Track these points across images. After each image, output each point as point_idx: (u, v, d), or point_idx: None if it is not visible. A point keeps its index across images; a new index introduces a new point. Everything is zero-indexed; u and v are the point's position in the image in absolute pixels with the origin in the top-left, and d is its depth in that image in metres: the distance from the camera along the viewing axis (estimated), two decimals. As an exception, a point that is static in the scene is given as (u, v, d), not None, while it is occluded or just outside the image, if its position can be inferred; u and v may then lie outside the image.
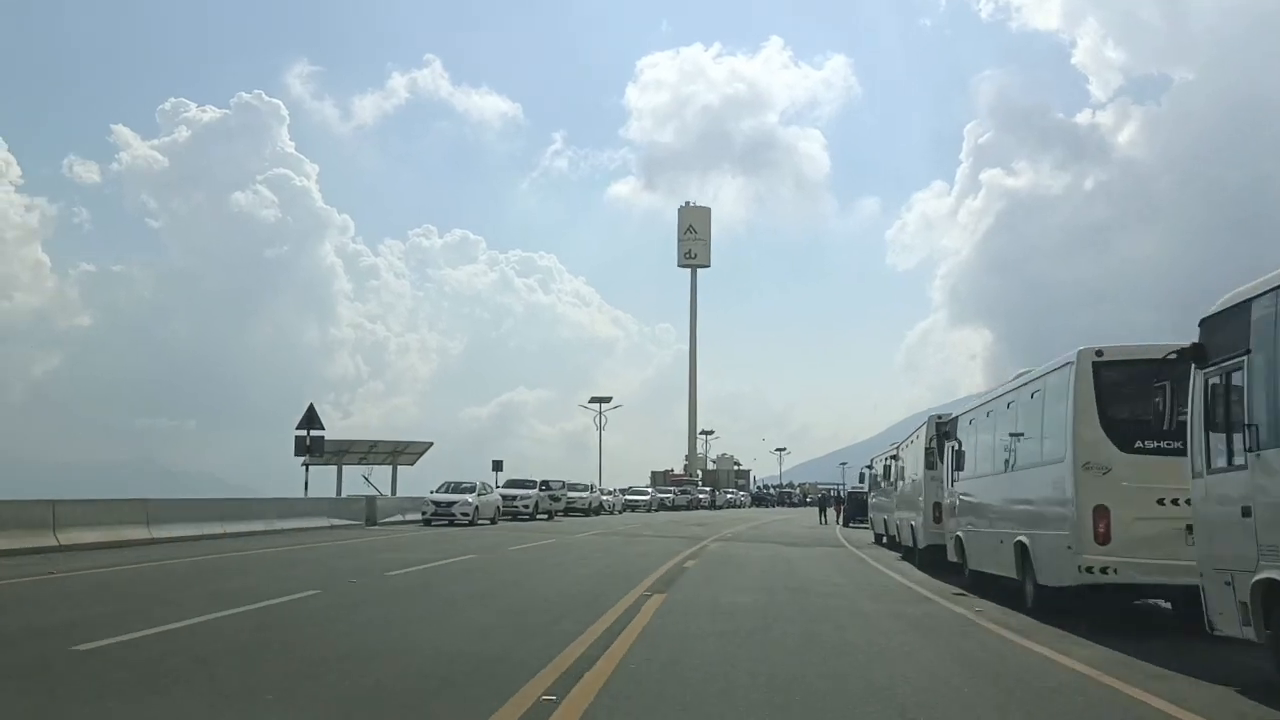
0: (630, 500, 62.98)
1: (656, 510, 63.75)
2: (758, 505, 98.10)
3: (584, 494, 48.29)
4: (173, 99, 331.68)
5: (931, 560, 18.40)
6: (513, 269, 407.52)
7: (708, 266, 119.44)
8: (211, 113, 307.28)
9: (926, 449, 19.70)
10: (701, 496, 77.93)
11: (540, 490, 41.41)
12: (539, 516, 40.56)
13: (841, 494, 54.97)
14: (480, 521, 33.08)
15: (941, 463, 18.07)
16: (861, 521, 48.44)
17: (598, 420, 66.73)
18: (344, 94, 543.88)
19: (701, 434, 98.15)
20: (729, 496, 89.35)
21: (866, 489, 36.19)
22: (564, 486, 44.34)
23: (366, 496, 33.01)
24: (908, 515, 21.96)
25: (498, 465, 46.87)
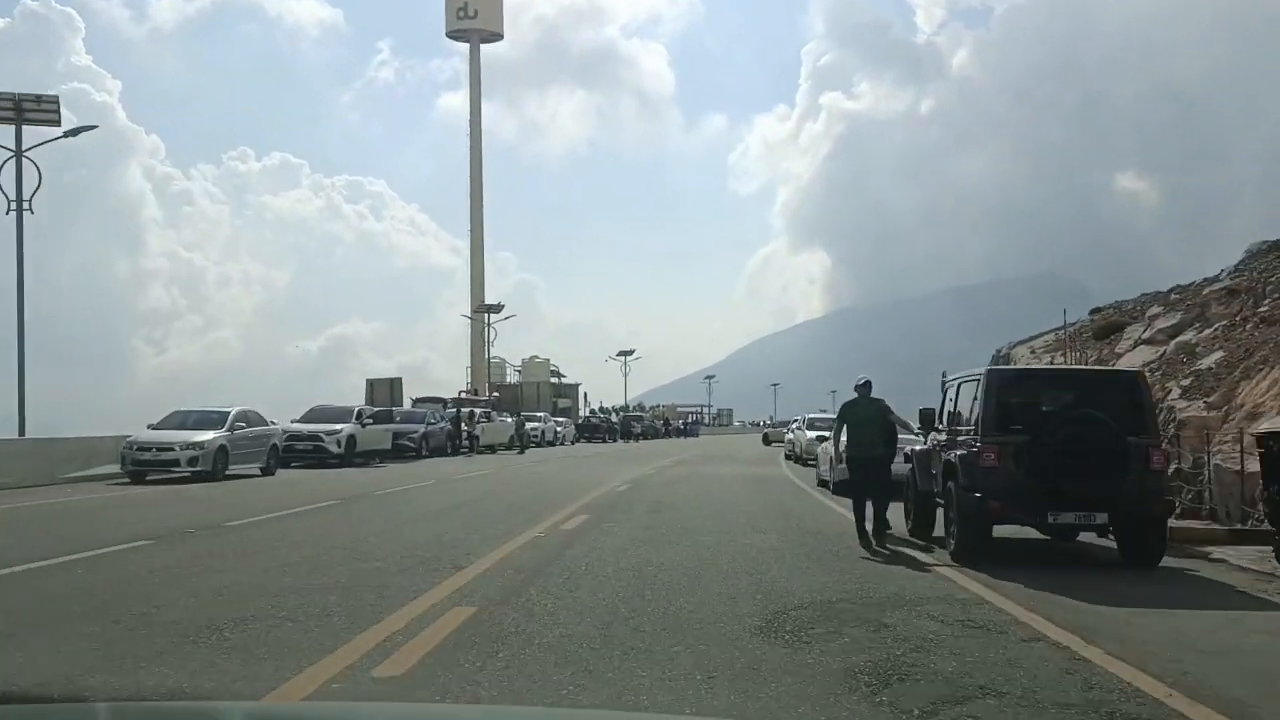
0: (149, 451, 20.39)
1: (263, 473, 21.84)
2: (588, 439, 57.52)
3: None
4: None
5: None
6: (340, 194, 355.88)
7: (499, 38, 74.78)
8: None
9: None
10: (445, 428, 35.71)
11: None
12: None
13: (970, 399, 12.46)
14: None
15: None
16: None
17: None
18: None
19: (486, 310, 53.96)
20: (536, 427, 47.83)
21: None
22: None
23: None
24: None
25: None
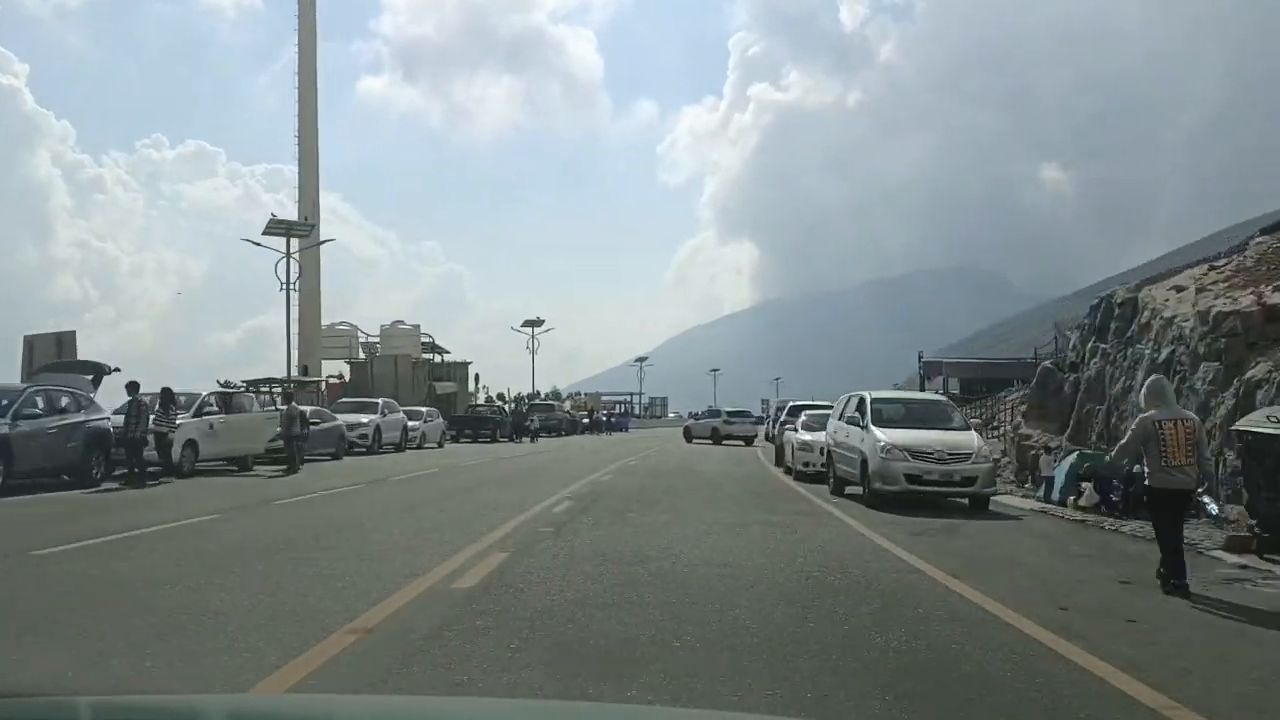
0: None
1: None
2: (471, 438, 39.63)
3: None
4: None
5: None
6: (259, 183, 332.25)
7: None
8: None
9: None
10: (92, 427, 16.66)
11: None
12: None
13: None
14: None
15: None
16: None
17: None
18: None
19: (286, 234, 34.30)
20: (368, 422, 29.46)
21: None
22: None
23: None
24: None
25: None
